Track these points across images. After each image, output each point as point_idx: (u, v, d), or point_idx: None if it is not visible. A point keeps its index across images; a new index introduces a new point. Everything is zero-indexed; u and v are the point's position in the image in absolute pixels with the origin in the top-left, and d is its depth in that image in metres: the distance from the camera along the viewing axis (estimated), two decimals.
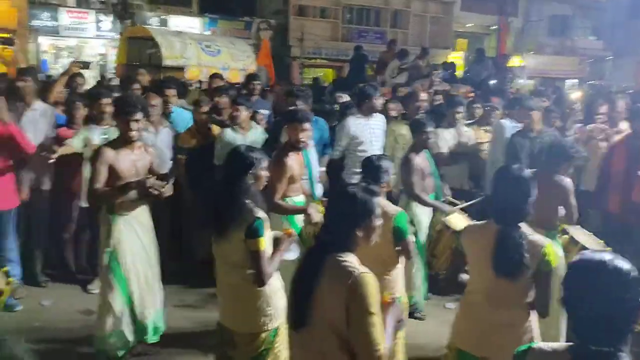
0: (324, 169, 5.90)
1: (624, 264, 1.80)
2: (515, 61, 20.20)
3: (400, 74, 11.62)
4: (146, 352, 4.51)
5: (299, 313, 2.44)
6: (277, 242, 3.35)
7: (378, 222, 2.51)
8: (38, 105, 5.63)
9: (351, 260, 2.39)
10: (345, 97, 8.08)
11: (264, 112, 6.86)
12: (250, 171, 3.26)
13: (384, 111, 6.77)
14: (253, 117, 6.17)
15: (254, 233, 3.11)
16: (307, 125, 4.57)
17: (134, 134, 4.13)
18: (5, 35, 8.02)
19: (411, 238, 3.73)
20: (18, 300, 5.20)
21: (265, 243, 3.16)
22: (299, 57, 21.26)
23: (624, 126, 6.27)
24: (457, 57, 22.09)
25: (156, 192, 4.05)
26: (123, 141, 4.16)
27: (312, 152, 5.36)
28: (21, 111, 5.50)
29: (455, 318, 3.19)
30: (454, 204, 5.45)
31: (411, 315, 5.01)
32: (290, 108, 5.43)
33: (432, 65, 12.49)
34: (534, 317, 3.01)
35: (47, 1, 17.40)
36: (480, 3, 24.40)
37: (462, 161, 6.44)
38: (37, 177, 5.55)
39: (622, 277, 1.77)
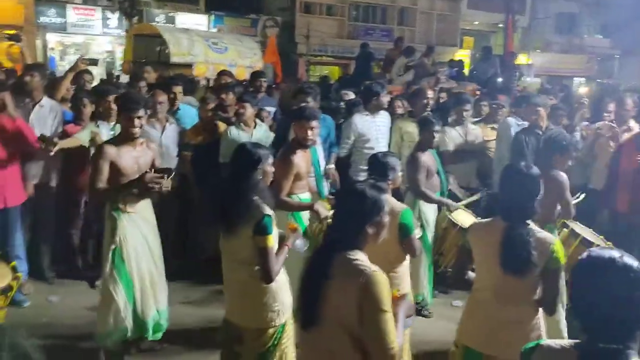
0: (332, 166, 5.89)
1: (633, 262, 1.78)
2: (522, 59, 20.13)
3: (407, 71, 11.60)
4: (152, 348, 4.53)
5: (309, 312, 2.43)
6: (282, 239, 3.36)
7: (387, 219, 2.50)
8: (45, 101, 5.65)
9: (361, 258, 2.38)
10: (350, 95, 8.06)
11: (270, 109, 6.86)
12: (258, 167, 3.27)
13: (390, 108, 6.76)
14: (258, 115, 6.17)
15: (262, 230, 3.11)
16: (314, 123, 4.55)
17: (135, 130, 4.10)
18: (12, 32, 8.04)
19: (416, 234, 3.73)
20: (26, 296, 5.23)
21: (273, 240, 3.17)
22: (305, 55, 21.27)
23: (633, 124, 6.24)
24: (463, 55, 22.00)
25: (157, 187, 4.01)
26: (125, 138, 4.14)
27: (320, 150, 5.36)
28: (29, 107, 5.53)
29: (462, 315, 3.19)
30: (458, 199, 5.44)
31: (418, 312, 5.01)
32: (300, 105, 5.42)
33: (437, 63, 12.46)
34: (541, 314, 3.00)
35: None
36: (487, 1, 24.35)
37: (468, 159, 6.43)
38: (44, 173, 5.57)
39: (631, 275, 1.76)
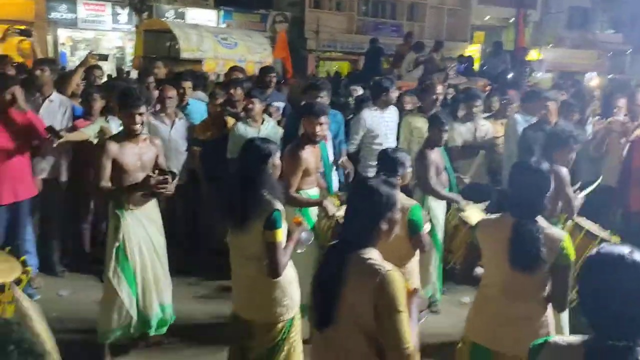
0: (346, 157, 5.81)
1: None
2: (533, 54, 19.98)
3: (416, 67, 11.55)
4: (160, 342, 4.55)
5: (324, 312, 2.41)
6: (288, 233, 3.36)
7: (399, 215, 2.49)
8: (55, 96, 5.67)
9: (375, 256, 2.36)
10: (359, 91, 8.04)
11: (279, 104, 6.86)
12: (268, 161, 3.27)
13: (399, 104, 6.73)
14: (266, 110, 6.16)
15: (272, 224, 3.12)
16: (323, 119, 4.53)
17: (137, 127, 4.08)
18: (23, 27, 8.07)
19: (426, 229, 3.71)
20: (36, 290, 5.26)
21: (282, 235, 3.17)
22: (315, 50, 21.25)
23: None
24: (474, 50, 21.94)
25: (163, 190, 4.00)
26: (127, 134, 4.12)
27: (329, 145, 5.34)
28: (39, 102, 5.55)
29: (470, 311, 3.17)
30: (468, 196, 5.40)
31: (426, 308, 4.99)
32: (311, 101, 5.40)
33: (446, 59, 12.39)
34: (550, 311, 2.98)
35: None
36: None
37: (476, 155, 6.39)
38: (54, 168, 5.60)
39: None
